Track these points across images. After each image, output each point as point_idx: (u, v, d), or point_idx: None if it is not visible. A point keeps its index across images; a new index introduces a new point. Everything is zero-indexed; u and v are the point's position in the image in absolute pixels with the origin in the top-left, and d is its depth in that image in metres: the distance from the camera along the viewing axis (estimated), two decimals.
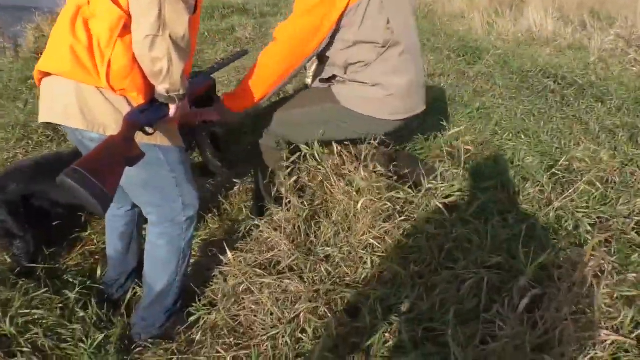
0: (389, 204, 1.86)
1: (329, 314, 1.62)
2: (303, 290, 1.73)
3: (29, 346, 1.60)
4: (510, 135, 3.15)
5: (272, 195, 2.18)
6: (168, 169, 1.57)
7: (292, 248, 1.93)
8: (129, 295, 1.89)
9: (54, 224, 2.14)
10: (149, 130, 1.45)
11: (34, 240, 2.02)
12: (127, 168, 1.52)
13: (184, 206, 1.65)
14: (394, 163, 2.17)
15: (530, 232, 1.93)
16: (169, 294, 1.75)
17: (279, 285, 1.78)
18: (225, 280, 1.88)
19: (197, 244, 2.24)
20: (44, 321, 1.73)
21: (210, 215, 2.43)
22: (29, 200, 2.02)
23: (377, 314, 1.52)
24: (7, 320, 1.62)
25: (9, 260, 2.02)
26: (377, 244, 1.78)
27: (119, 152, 1.32)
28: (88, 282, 2.01)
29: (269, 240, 2.01)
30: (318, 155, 2.09)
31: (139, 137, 1.42)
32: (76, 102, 1.38)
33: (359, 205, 1.83)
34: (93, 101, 1.39)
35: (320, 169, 2.14)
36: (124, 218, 1.86)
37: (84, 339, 1.67)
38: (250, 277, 1.81)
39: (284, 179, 2.13)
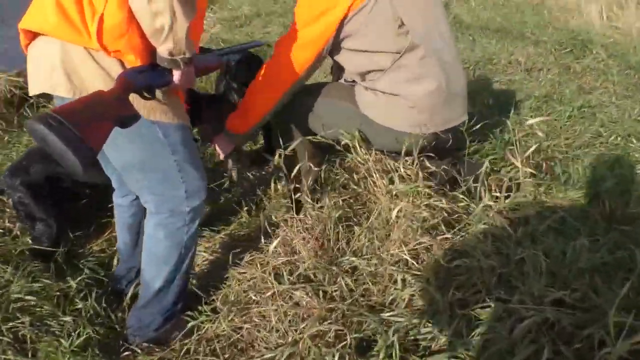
0: (426, 213, 1.48)
1: (340, 341, 1.28)
2: (316, 307, 1.41)
3: (11, 336, 1.46)
4: (618, 138, 2.56)
5: (309, 188, 1.92)
6: (169, 150, 1.35)
7: (316, 254, 1.63)
8: (131, 291, 1.70)
9: (80, 204, 2.04)
10: (147, 94, 1.22)
11: (57, 223, 1.91)
12: (121, 147, 1.33)
13: (187, 194, 1.42)
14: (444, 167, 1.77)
15: (630, 263, 1.44)
16: (167, 293, 1.53)
17: (290, 297, 1.48)
18: (238, 285, 1.62)
19: (221, 239, 2.01)
20: (38, 309, 1.59)
21: (246, 208, 2.19)
22: (54, 181, 1.91)
23: (394, 349, 1.16)
24: None
25: (30, 242, 1.92)
26: (411, 260, 1.41)
27: (109, 109, 1.09)
28: (102, 273, 1.87)
29: (294, 242, 1.72)
30: (359, 145, 1.76)
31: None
32: (61, 66, 1.19)
33: (394, 213, 1.47)
34: (81, 64, 1.20)
35: (362, 163, 1.80)
36: (129, 208, 1.68)
37: (73, 334, 1.50)
38: (261, 284, 1.54)
39: (318, 173, 1.85)
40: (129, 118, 1.14)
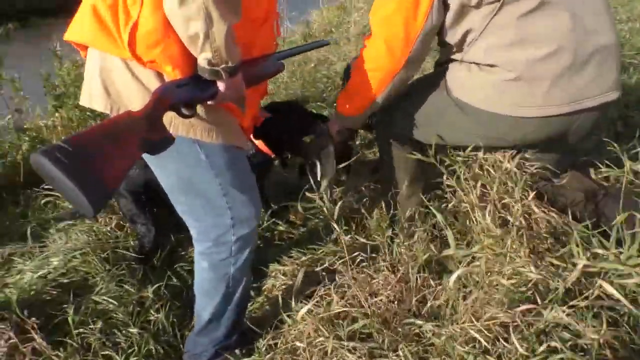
0: (507, 280, 1.06)
1: None
2: None
3: (79, 341, 1.49)
4: None
5: (405, 218, 1.63)
6: (212, 172, 1.21)
7: (391, 301, 1.34)
8: None
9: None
10: (186, 111, 1.08)
11: (155, 227, 1.94)
12: (164, 167, 1.23)
13: (233, 222, 1.27)
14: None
15: None
16: (218, 326, 1.41)
17: (342, 357, 1.22)
18: (293, 328, 1.42)
19: (305, 263, 1.79)
20: (114, 315, 1.61)
21: (345, 228, 1.95)
22: (151, 185, 1.94)
23: None
24: (72, 308, 1.53)
25: (133, 243, 1.99)
26: (484, 343, 1.02)
27: (135, 132, 0.98)
28: (189, 281, 1.85)
29: (374, 282, 1.45)
30: (460, 170, 1.40)
31: (173, 129, 1.11)
32: (99, 78, 1.12)
33: (451, 281, 1.10)
34: (118, 76, 1.11)
35: (465, 193, 1.43)
36: None
37: (135, 349, 1.48)
38: (313, 333, 1.31)
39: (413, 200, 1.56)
40: (158, 143, 1.02)
